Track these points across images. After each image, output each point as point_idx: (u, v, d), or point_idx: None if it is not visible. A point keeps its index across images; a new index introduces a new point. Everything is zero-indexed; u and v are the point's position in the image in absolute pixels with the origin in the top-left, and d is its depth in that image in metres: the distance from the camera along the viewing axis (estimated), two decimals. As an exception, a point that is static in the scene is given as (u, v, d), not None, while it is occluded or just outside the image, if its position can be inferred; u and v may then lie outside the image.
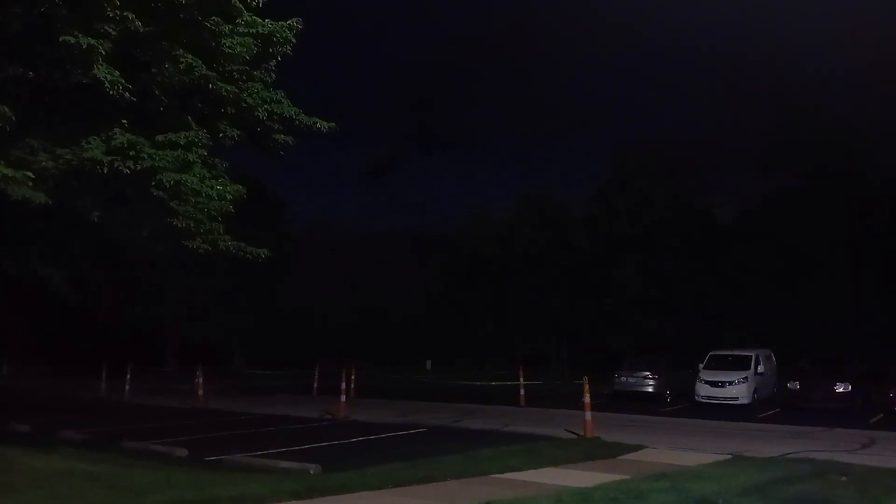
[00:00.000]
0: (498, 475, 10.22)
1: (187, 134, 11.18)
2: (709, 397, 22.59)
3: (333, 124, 12.57)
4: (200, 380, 23.16)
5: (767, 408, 21.83)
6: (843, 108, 36.24)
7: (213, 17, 11.05)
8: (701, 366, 23.69)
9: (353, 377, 20.28)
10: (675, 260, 38.47)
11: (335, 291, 50.97)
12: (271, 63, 12.28)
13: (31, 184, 10.50)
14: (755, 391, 22.65)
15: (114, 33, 10.28)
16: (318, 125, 12.47)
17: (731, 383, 22.42)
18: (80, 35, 9.94)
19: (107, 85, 10.29)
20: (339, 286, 51.29)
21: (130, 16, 10.14)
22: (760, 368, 23.33)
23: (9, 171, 10.13)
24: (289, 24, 11.82)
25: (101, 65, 10.24)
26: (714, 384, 22.63)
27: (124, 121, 10.92)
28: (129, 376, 25.15)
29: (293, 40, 11.92)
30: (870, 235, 34.25)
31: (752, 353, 23.73)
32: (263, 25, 11.59)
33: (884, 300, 32.76)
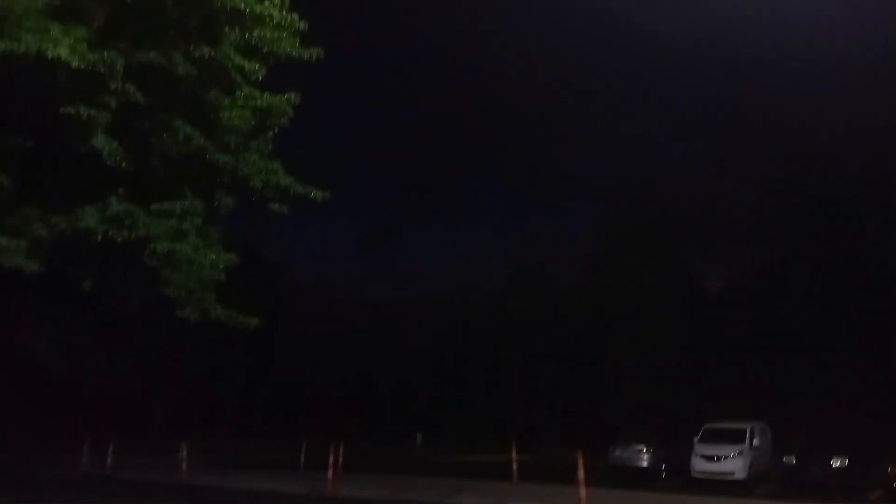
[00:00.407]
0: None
1: (183, 203, 11.30)
2: (704, 472, 22.11)
3: (328, 194, 12.71)
4: (185, 453, 22.56)
5: (764, 483, 21.37)
6: (832, 179, 36.84)
7: (213, 91, 11.32)
8: (696, 439, 23.30)
9: (341, 451, 19.80)
10: (666, 331, 38.40)
11: (326, 359, 50.38)
12: (268, 134, 12.51)
13: (23, 253, 10.51)
14: (751, 465, 22.21)
15: (114, 105, 10.49)
16: (313, 194, 12.61)
17: (726, 457, 22.00)
18: (81, 106, 10.14)
19: (105, 155, 10.44)
20: (330, 354, 50.74)
21: (132, 88, 10.37)
22: (756, 442, 22.96)
23: (3, 241, 10.16)
24: (287, 97, 12.10)
25: (100, 135, 10.42)
26: (709, 458, 22.19)
27: (120, 189, 11.04)
28: (111, 449, 24.46)
29: (291, 113, 12.19)
30: (861, 307, 34.40)
31: (748, 426, 23.39)
32: (262, 99, 11.86)
33: (877, 372, 32.63)
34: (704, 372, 37.32)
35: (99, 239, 10.84)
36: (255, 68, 11.51)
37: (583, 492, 14.45)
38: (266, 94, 11.92)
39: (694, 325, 38.61)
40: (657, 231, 41.12)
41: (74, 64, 9.72)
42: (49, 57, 9.51)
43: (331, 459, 19.10)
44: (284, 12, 11.31)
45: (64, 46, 9.73)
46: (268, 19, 11.01)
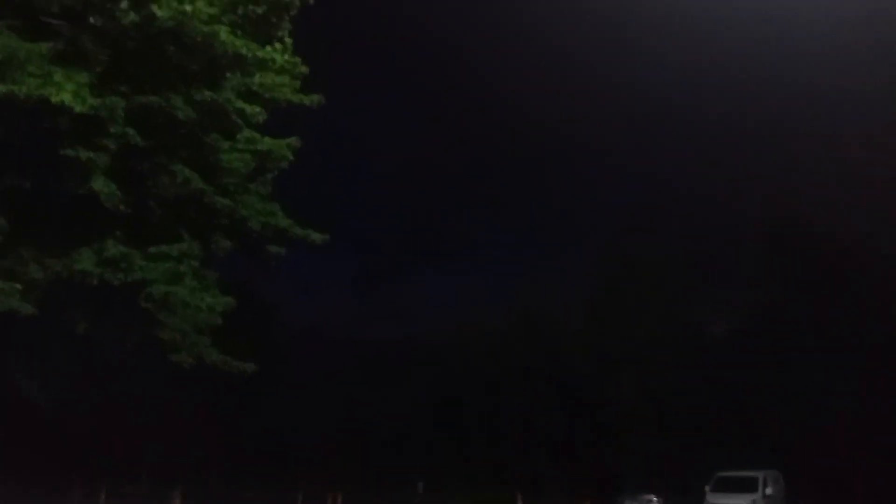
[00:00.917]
0: None
1: (180, 245, 11.20)
2: (716, 522, 21.58)
3: (327, 236, 12.64)
4: (178, 502, 22.07)
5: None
6: (833, 220, 36.85)
7: (213, 134, 11.32)
8: (707, 488, 22.76)
9: (339, 500, 19.32)
10: (670, 375, 37.90)
11: (322, 403, 49.61)
12: (267, 176, 12.47)
13: (18, 295, 10.37)
14: (764, 514, 21.68)
15: (113, 147, 10.47)
16: (312, 237, 12.52)
17: (739, 507, 21.47)
18: (81, 149, 10.11)
19: (103, 198, 10.37)
20: (327, 397, 49.98)
21: (131, 131, 10.36)
22: (769, 490, 22.43)
23: (-3, 283, 10.04)
24: (287, 142, 12.10)
25: (99, 177, 10.37)
26: (722, 507, 21.68)
27: (117, 232, 10.94)
28: (103, 496, 23.92)
29: (290, 157, 12.17)
30: (865, 348, 33.98)
31: (760, 475, 22.89)
32: (262, 143, 11.85)
33: (884, 415, 32.05)
34: (710, 417, 36.72)
35: (95, 282, 10.70)
36: (256, 112, 11.52)
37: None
38: (266, 139, 11.92)
39: (698, 370, 38.13)
40: (657, 273, 40.94)
41: (77, 109, 9.72)
42: (52, 102, 9.51)
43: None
44: (287, 56, 11.36)
45: (67, 92, 9.74)
46: (270, 63, 11.05)
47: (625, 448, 36.88)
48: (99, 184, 10.35)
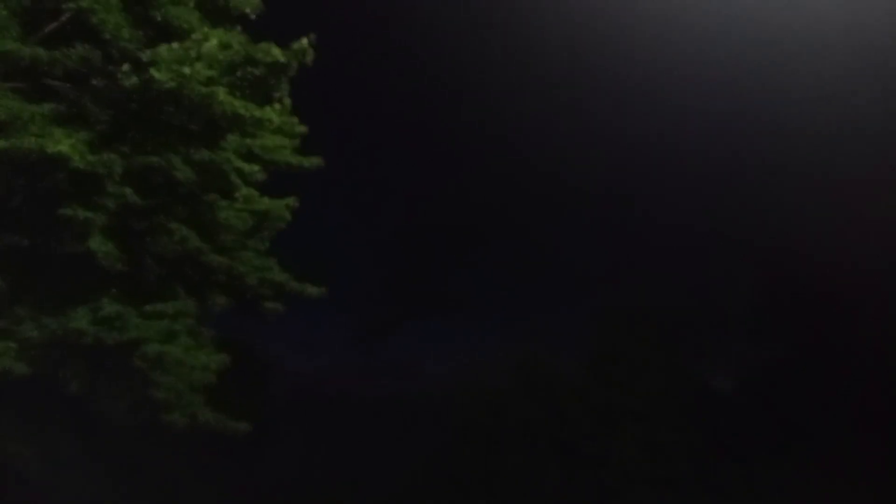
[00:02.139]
0: None
1: (175, 304, 11.18)
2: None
3: (324, 290, 12.62)
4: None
5: None
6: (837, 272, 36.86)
7: (211, 193, 11.42)
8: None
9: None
10: (673, 431, 37.30)
11: (318, 461, 48.62)
12: (265, 234, 12.53)
13: (13, 355, 10.32)
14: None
15: (111, 206, 10.56)
16: (309, 290, 12.51)
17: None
18: (79, 208, 10.20)
19: (100, 256, 10.41)
20: (323, 455, 49.02)
21: (129, 191, 10.47)
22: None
23: (-8, 343, 9.99)
24: (286, 202, 12.21)
25: (96, 236, 10.43)
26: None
27: (113, 290, 10.94)
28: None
29: (289, 217, 12.25)
30: (872, 404, 33.52)
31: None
32: (260, 202, 11.95)
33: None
34: (714, 475, 36.00)
35: (89, 341, 10.65)
36: (255, 171, 11.66)
37: None
38: (265, 199, 12.02)
39: (702, 425, 37.56)
40: (659, 327, 40.73)
41: (75, 161, 9.84)
42: (49, 153, 9.63)
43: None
44: (285, 117, 11.56)
45: (65, 144, 9.90)
46: (268, 123, 11.23)
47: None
48: (96, 243, 10.41)
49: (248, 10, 12.07)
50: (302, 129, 11.93)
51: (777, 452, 35.68)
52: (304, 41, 10.98)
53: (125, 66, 10.85)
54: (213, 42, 10.68)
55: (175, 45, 10.63)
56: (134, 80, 10.68)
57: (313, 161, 12.02)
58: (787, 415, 36.16)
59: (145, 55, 10.56)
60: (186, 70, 10.03)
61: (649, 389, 38.56)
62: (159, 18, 11.25)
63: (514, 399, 43.13)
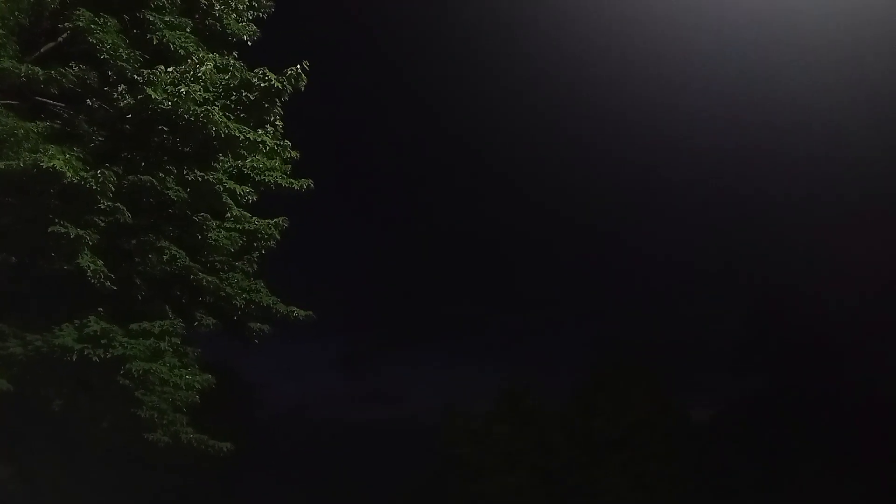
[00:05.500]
0: None
1: (162, 323, 11.18)
2: None
3: (310, 313, 12.66)
4: None
5: None
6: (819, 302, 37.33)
7: (202, 213, 11.49)
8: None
9: None
10: (656, 462, 37.31)
11: (304, 486, 47.99)
12: (254, 255, 12.58)
13: (-4, 371, 10.27)
14: None
15: (102, 224, 10.61)
16: (296, 314, 12.54)
17: None
18: (70, 226, 10.24)
19: (89, 274, 10.43)
20: (305, 481, 48.38)
21: (121, 207, 10.53)
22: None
23: (-26, 358, 9.94)
24: (275, 222, 12.30)
25: (86, 254, 10.46)
26: None
27: (101, 308, 10.93)
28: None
29: (277, 237, 12.33)
30: (852, 435, 33.70)
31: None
32: (250, 222, 12.03)
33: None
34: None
35: (74, 358, 10.61)
36: (247, 192, 11.76)
37: None
38: (255, 218, 12.10)
39: (683, 456, 37.62)
40: (644, 357, 40.91)
41: (68, 175, 9.89)
42: (44, 167, 9.69)
43: None
44: (277, 140, 11.72)
45: (59, 160, 9.98)
46: (261, 146, 11.37)
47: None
48: (86, 260, 10.43)
49: (245, 38, 12.31)
50: (293, 153, 12.07)
51: (757, 481, 35.79)
52: (298, 67, 11.19)
53: (120, 87, 11.00)
54: (210, 65, 10.87)
55: (171, 68, 10.81)
56: (129, 100, 10.83)
57: (304, 182, 12.14)
58: (767, 444, 36.35)
59: (142, 76, 10.71)
60: (182, 89, 10.18)
61: (632, 419, 38.63)
62: (156, 42, 11.43)
63: (498, 427, 42.97)
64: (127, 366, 10.60)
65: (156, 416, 11.05)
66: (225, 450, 12.03)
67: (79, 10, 10.82)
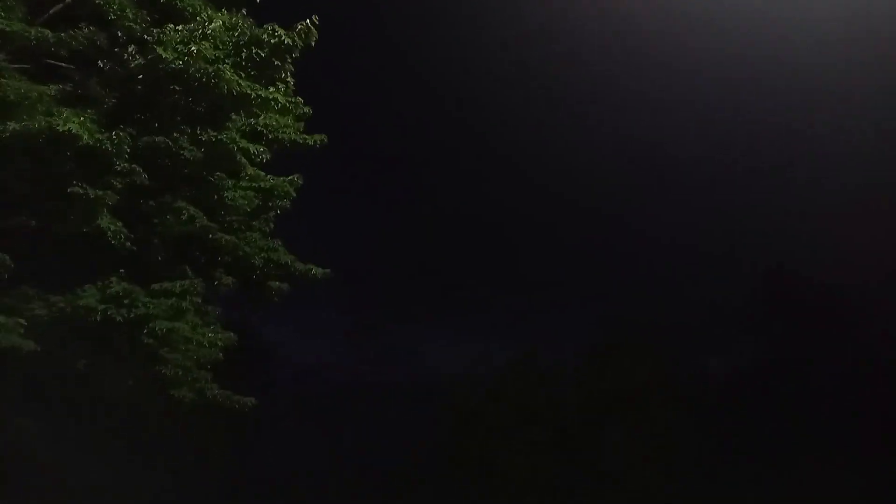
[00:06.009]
0: None
1: (183, 283, 11.31)
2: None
3: (328, 271, 12.76)
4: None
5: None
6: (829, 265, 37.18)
7: (218, 173, 11.55)
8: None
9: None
10: (667, 416, 37.65)
11: (321, 444, 48.87)
12: (270, 214, 12.66)
13: (21, 331, 10.44)
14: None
15: (120, 185, 10.68)
16: (314, 272, 12.64)
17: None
18: (88, 187, 10.32)
19: (109, 235, 10.54)
20: (326, 439, 49.26)
21: (137, 168, 10.59)
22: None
23: (0, 319, 10.11)
24: (290, 179, 12.35)
25: (105, 215, 10.56)
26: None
27: (122, 269, 11.07)
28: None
29: (293, 194, 12.39)
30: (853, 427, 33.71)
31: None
32: (265, 180, 12.09)
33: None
34: (711, 460, 36.36)
35: (98, 318, 10.78)
36: (260, 151, 11.79)
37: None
38: (270, 177, 12.15)
39: (696, 411, 37.89)
40: (657, 321, 40.99)
41: (84, 139, 9.94)
42: (60, 131, 9.74)
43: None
44: (290, 97, 11.68)
45: (74, 123, 10.02)
46: (273, 103, 11.35)
47: (624, 490, 36.40)
48: (105, 222, 10.53)
49: (253, -5, 12.16)
50: (306, 109, 12.05)
51: (770, 438, 36.08)
52: (308, 21, 11.10)
53: (131, 48, 10.97)
54: (219, 23, 10.81)
55: (181, 26, 10.75)
56: (139, 61, 10.80)
57: (317, 138, 12.13)
58: (780, 401, 36.56)
59: (151, 36, 10.67)
60: (193, 48, 10.15)
61: (644, 376, 38.89)
62: (163, 1, 11.35)
63: (511, 387, 43.48)
64: (150, 325, 10.78)
65: (180, 373, 11.26)
66: (249, 405, 12.28)
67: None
